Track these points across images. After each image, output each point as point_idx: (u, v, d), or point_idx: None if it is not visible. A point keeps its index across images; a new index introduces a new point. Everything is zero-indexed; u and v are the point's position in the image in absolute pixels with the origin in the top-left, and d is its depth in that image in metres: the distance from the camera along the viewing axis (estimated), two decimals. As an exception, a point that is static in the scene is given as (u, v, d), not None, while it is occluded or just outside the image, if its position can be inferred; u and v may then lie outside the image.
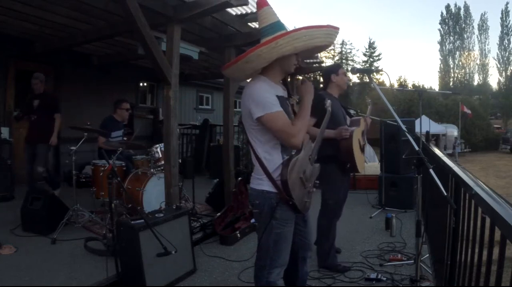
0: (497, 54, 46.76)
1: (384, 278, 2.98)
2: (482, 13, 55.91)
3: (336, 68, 3.27)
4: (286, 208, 1.87)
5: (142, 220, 2.69)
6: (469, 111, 26.20)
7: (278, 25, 1.83)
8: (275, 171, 1.85)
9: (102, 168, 4.04)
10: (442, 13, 48.52)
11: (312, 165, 2.04)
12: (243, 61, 1.78)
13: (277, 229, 1.89)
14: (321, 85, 3.42)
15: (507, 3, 46.31)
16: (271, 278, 1.93)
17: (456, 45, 48.56)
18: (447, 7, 47.87)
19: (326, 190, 3.20)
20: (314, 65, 7.82)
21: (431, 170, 2.01)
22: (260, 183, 1.89)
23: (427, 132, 4.90)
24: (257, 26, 4.96)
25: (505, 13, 44.81)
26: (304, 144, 1.96)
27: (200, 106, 11.70)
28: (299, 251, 2.12)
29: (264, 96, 1.80)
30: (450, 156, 4.47)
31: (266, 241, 1.91)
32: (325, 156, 3.09)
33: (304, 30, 1.74)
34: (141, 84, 9.12)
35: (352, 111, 3.81)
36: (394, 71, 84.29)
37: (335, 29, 1.85)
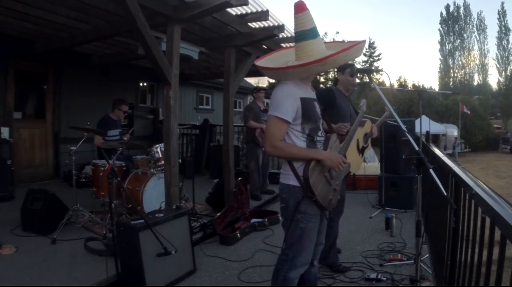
0: (496, 54, 46.72)
1: (384, 278, 2.98)
2: (478, 12, 55.84)
3: (343, 67, 3.30)
4: (310, 203, 1.95)
5: (142, 220, 2.69)
6: (468, 111, 26.18)
7: (316, 31, 1.92)
8: (300, 168, 1.95)
9: (102, 168, 4.04)
10: (442, 13, 48.53)
11: None
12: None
13: (301, 223, 1.97)
14: (321, 85, 3.45)
15: (503, 3, 46.40)
16: (289, 274, 2.00)
17: (456, 44, 48.52)
18: (447, 7, 47.89)
19: None
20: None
21: (431, 170, 2.01)
22: (287, 177, 2.00)
23: (427, 132, 4.90)
24: (257, 26, 4.97)
25: (502, 13, 44.76)
26: (330, 143, 2.08)
27: (200, 106, 11.70)
28: None
29: (283, 100, 1.92)
30: (450, 156, 4.46)
31: (291, 236, 2.00)
32: None
33: (354, 47, 1.86)
34: (141, 84, 9.11)
35: None
36: (394, 71, 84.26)
37: (364, 43, 1.96)
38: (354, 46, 1.86)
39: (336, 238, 3.29)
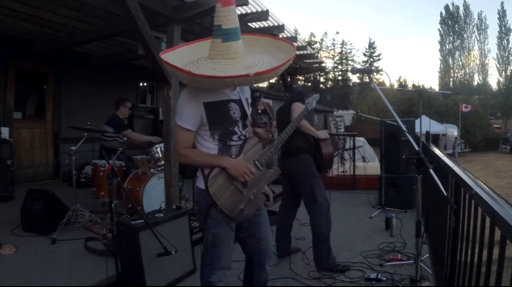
0: (497, 54, 46.82)
1: (384, 278, 2.98)
2: (478, 12, 55.77)
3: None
4: (218, 211, 1.80)
5: (142, 220, 2.69)
6: (468, 109, 26.15)
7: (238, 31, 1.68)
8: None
9: (102, 168, 4.04)
10: (442, 13, 48.60)
11: (261, 170, 1.92)
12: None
13: (213, 229, 1.85)
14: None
15: (503, 3, 46.48)
16: (212, 279, 1.90)
17: (456, 45, 48.57)
18: (447, 7, 47.96)
19: (312, 187, 3.17)
20: (314, 65, 7.83)
21: (431, 170, 2.01)
22: (199, 181, 1.88)
23: (427, 132, 4.90)
24: (257, 26, 4.97)
25: (502, 13, 44.85)
26: (246, 147, 1.90)
27: (200, 106, 11.68)
28: (253, 256, 2.08)
29: (183, 107, 1.81)
30: (450, 156, 4.47)
31: (206, 240, 1.90)
32: (297, 149, 3.16)
33: (202, 78, 1.60)
34: (141, 84, 9.11)
35: (352, 111, 3.82)
36: (394, 71, 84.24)
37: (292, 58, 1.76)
38: (288, 62, 1.67)
39: (328, 237, 3.23)
